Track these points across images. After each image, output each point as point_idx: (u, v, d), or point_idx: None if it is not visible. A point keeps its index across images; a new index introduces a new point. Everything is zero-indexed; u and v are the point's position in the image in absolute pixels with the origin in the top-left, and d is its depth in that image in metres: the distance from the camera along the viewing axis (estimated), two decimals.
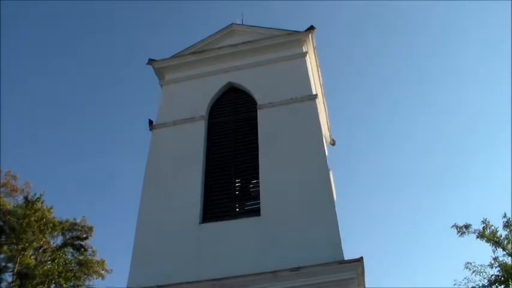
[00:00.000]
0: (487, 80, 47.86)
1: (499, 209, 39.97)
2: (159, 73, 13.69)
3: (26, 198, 22.35)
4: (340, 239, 9.37)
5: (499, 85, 45.74)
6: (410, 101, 50.61)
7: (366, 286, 9.61)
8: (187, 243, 10.00)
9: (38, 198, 22.30)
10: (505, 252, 20.48)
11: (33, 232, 21.16)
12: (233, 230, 9.97)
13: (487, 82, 47.35)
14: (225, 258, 9.54)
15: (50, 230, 21.59)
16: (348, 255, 9.12)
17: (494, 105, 46.92)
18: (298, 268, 8.87)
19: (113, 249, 43.69)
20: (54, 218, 22.43)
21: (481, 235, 20.32)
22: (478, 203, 45.95)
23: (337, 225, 9.56)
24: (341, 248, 9.24)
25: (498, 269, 20.27)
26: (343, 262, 8.93)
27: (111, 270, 21.50)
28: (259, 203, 10.30)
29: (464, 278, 20.91)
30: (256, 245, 9.61)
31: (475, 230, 20.49)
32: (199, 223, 10.25)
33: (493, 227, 20.46)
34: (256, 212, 10.23)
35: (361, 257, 8.95)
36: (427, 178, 49.59)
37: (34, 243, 21.47)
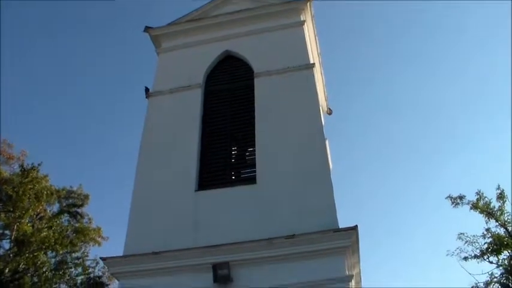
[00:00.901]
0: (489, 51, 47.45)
1: (493, 181, 40.21)
2: (156, 41, 13.55)
3: (21, 166, 22.36)
4: (335, 207, 9.43)
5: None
6: (408, 73, 50.31)
7: (360, 254, 9.77)
8: (183, 211, 10.06)
9: (33, 166, 22.31)
10: (497, 223, 20.71)
11: (29, 200, 21.22)
12: (229, 198, 10.03)
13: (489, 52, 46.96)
14: (220, 225, 9.62)
15: (46, 197, 21.65)
16: (342, 223, 9.22)
17: (494, 77, 46.65)
18: (293, 236, 8.96)
19: (110, 217, 44.09)
20: (50, 186, 22.46)
21: (474, 206, 20.52)
22: (473, 175, 46.23)
23: (333, 194, 9.62)
24: (336, 216, 9.31)
25: (490, 239, 20.52)
26: (338, 230, 9.02)
27: (108, 237, 21.68)
28: (255, 171, 10.33)
29: (457, 248, 21.23)
30: (251, 212, 9.67)
31: (468, 201, 20.70)
32: (196, 190, 10.30)
33: (486, 199, 20.66)
34: (252, 179, 10.27)
35: (356, 225, 9.04)
36: (423, 149, 49.77)
37: (30, 211, 21.53)
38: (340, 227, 9.09)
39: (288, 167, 10.12)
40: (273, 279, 8.76)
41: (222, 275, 8.83)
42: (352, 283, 9.30)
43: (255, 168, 10.39)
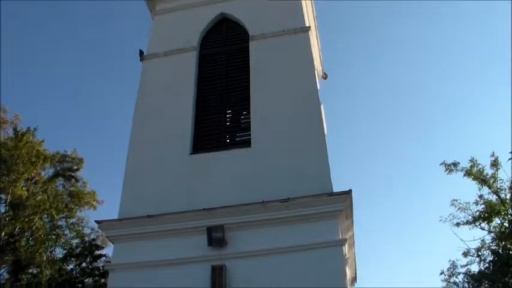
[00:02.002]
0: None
1: (487, 148, 40.38)
2: (150, 3, 13.32)
3: (15, 130, 22.26)
4: (329, 172, 9.45)
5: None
6: (405, 34, 49.82)
7: (354, 219, 9.83)
8: (177, 174, 10.07)
9: (28, 130, 22.22)
10: (490, 191, 20.85)
11: (24, 164, 21.19)
12: (223, 161, 10.02)
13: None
14: (215, 188, 9.64)
15: (41, 162, 21.63)
16: (337, 188, 9.23)
17: (491, 41, 46.34)
18: (288, 199, 9.00)
19: (105, 181, 44.24)
20: (45, 150, 22.41)
21: (468, 173, 20.62)
22: (467, 142, 46.44)
23: (327, 158, 9.62)
24: (330, 180, 9.33)
25: (483, 206, 20.70)
26: (332, 194, 9.05)
27: (103, 201, 21.74)
28: (249, 135, 10.31)
29: (450, 215, 21.44)
30: (246, 175, 9.69)
31: (462, 168, 20.78)
32: (190, 154, 10.30)
33: (480, 166, 20.75)
34: (246, 143, 10.25)
35: (350, 190, 9.07)
36: (419, 115, 49.73)
37: (25, 175, 21.53)
38: (334, 191, 9.12)
39: (283, 130, 10.10)
40: (267, 242, 8.83)
41: (216, 237, 8.89)
42: (346, 247, 9.40)
43: (249, 131, 10.37)
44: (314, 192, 9.01)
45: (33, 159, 21.03)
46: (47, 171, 22.68)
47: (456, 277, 20.75)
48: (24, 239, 20.99)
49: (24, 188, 21.38)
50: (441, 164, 21.36)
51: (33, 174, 21.85)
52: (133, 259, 9.32)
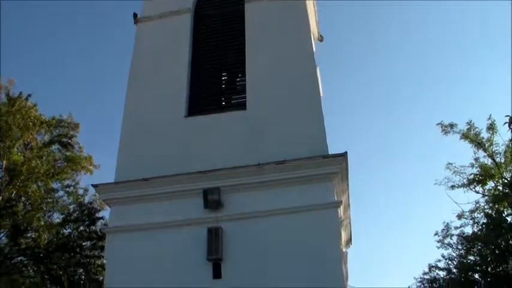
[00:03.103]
0: None
1: (485, 111, 40.41)
2: None
3: (7, 95, 22.04)
4: (325, 134, 9.45)
5: None
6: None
7: (349, 181, 9.88)
8: (173, 137, 10.07)
9: (20, 95, 21.99)
10: (485, 154, 20.93)
11: (19, 129, 21.09)
12: (219, 124, 10.00)
13: None
14: (211, 151, 9.66)
15: (36, 127, 21.53)
16: (332, 151, 9.25)
17: (491, 7, 45.79)
18: (283, 161, 9.02)
19: (101, 146, 44.24)
20: (39, 115, 22.26)
21: (464, 136, 20.66)
22: (464, 104, 46.44)
23: (323, 120, 9.62)
24: (326, 142, 9.34)
25: (478, 169, 20.83)
26: (328, 156, 9.08)
27: (99, 165, 21.72)
28: (245, 97, 10.27)
29: (445, 178, 21.58)
30: (241, 138, 9.70)
31: (459, 130, 20.81)
32: (185, 116, 10.27)
33: (477, 129, 20.77)
34: (242, 105, 10.22)
35: (346, 152, 9.09)
36: (419, 76, 49.48)
37: (20, 141, 21.46)
38: (329, 153, 9.13)
39: (278, 93, 10.06)
40: (262, 204, 8.90)
41: (212, 200, 8.95)
42: (341, 209, 9.46)
43: (245, 94, 10.33)
44: (310, 154, 9.02)
45: (28, 124, 20.90)
46: (43, 137, 22.58)
47: (450, 238, 21.04)
48: (21, 204, 21.04)
49: (19, 154, 21.32)
50: (438, 124, 21.37)
51: (28, 140, 21.76)
52: (130, 222, 9.40)
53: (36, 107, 22.38)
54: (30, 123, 21.03)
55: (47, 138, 22.43)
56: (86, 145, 22.73)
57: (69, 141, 21.98)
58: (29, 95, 22.16)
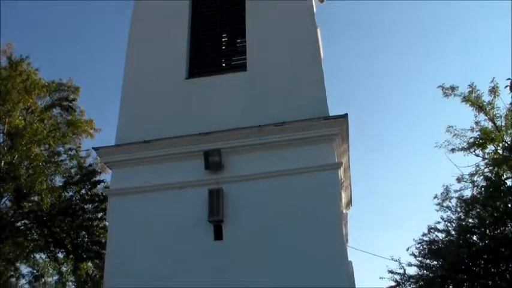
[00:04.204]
0: None
1: (487, 75, 40.08)
2: None
3: (9, 58, 21.90)
4: (325, 95, 9.42)
5: None
6: None
7: (350, 143, 9.89)
8: (174, 99, 10.03)
9: (22, 59, 21.87)
10: (486, 118, 20.82)
11: (19, 93, 21.00)
12: (219, 85, 9.95)
13: None
14: (211, 113, 9.64)
15: (36, 90, 21.43)
16: (332, 112, 9.24)
17: None
18: (283, 123, 9.01)
19: (102, 110, 44.19)
20: (40, 79, 22.14)
21: (466, 99, 20.52)
22: (465, 67, 46.06)
23: (323, 82, 9.57)
24: (326, 104, 9.31)
25: (478, 133, 20.76)
26: (328, 118, 9.06)
27: (100, 129, 21.71)
28: (245, 58, 10.19)
29: (445, 141, 21.54)
30: (242, 99, 9.67)
31: (461, 93, 20.65)
32: (186, 78, 10.22)
33: (478, 92, 20.61)
34: (242, 67, 10.14)
35: (346, 114, 9.07)
36: (418, 35, 48.87)
37: (21, 104, 21.40)
38: (330, 115, 9.12)
39: (279, 54, 9.98)
40: (263, 166, 8.92)
41: (213, 161, 8.97)
42: (341, 170, 9.51)
43: (245, 55, 10.24)
44: (310, 116, 9.01)
45: (28, 88, 20.79)
46: (43, 101, 22.50)
47: (449, 201, 21.11)
48: (24, 168, 21.12)
49: (20, 118, 21.29)
50: (439, 86, 21.21)
51: (29, 104, 21.69)
52: (131, 184, 9.44)
53: (36, 71, 22.25)
54: (31, 86, 20.88)
55: (47, 101, 22.32)
56: (86, 109, 22.69)
57: (70, 104, 21.87)
58: (27, 57, 21.96)
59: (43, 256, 22.84)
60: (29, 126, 20.67)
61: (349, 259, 9.08)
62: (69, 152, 21.63)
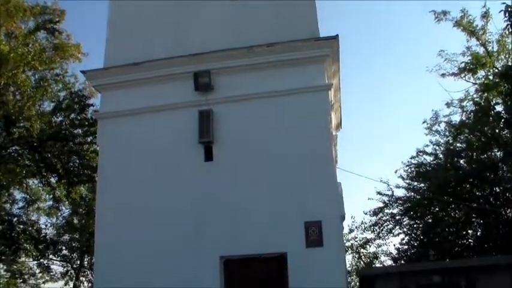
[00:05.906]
0: None
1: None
2: None
3: None
4: (316, 17, 9.28)
5: None
6: None
7: (340, 66, 9.82)
8: (163, 20, 9.83)
9: None
10: (478, 43, 20.62)
11: (1, 17, 20.32)
12: (210, 5, 9.69)
13: None
14: (201, 33, 9.49)
15: (20, 14, 20.75)
16: (323, 34, 9.12)
17: None
18: (274, 44, 8.91)
19: (90, 36, 43.28)
20: (22, 2, 21.39)
21: (457, 23, 20.23)
22: None
23: (314, 3, 9.40)
24: (317, 25, 9.20)
25: (469, 58, 20.63)
26: (319, 39, 8.97)
27: (87, 53, 21.24)
28: None
29: (436, 65, 21.41)
30: (233, 20, 9.52)
31: (452, 17, 20.33)
32: None
33: (470, 17, 20.30)
34: None
35: (337, 35, 8.97)
36: None
37: (3, 29, 20.77)
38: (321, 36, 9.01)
39: None
40: (253, 86, 8.93)
41: (203, 83, 8.95)
42: (331, 92, 9.51)
43: None
44: (301, 37, 8.91)
45: (11, 11, 20.09)
46: (27, 24, 21.84)
47: (438, 126, 21.31)
48: (11, 94, 20.81)
49: (4, 43, 20.75)
50: (431, 11, 20.84)
51: (12, 28, 21.06)
52: (121, 107, 9.45)
53: None
54: (13, 9, 20.18)
55: (31, 25, 21.67)
56: (75, 32, 22.06)
57: (55, 26, 21.24)
58: None
59: (36, 182, 23.01)
60: (14, 50, 20.14)
61: (338, 180, 9.27)
62: (56, 78, 21.22)
